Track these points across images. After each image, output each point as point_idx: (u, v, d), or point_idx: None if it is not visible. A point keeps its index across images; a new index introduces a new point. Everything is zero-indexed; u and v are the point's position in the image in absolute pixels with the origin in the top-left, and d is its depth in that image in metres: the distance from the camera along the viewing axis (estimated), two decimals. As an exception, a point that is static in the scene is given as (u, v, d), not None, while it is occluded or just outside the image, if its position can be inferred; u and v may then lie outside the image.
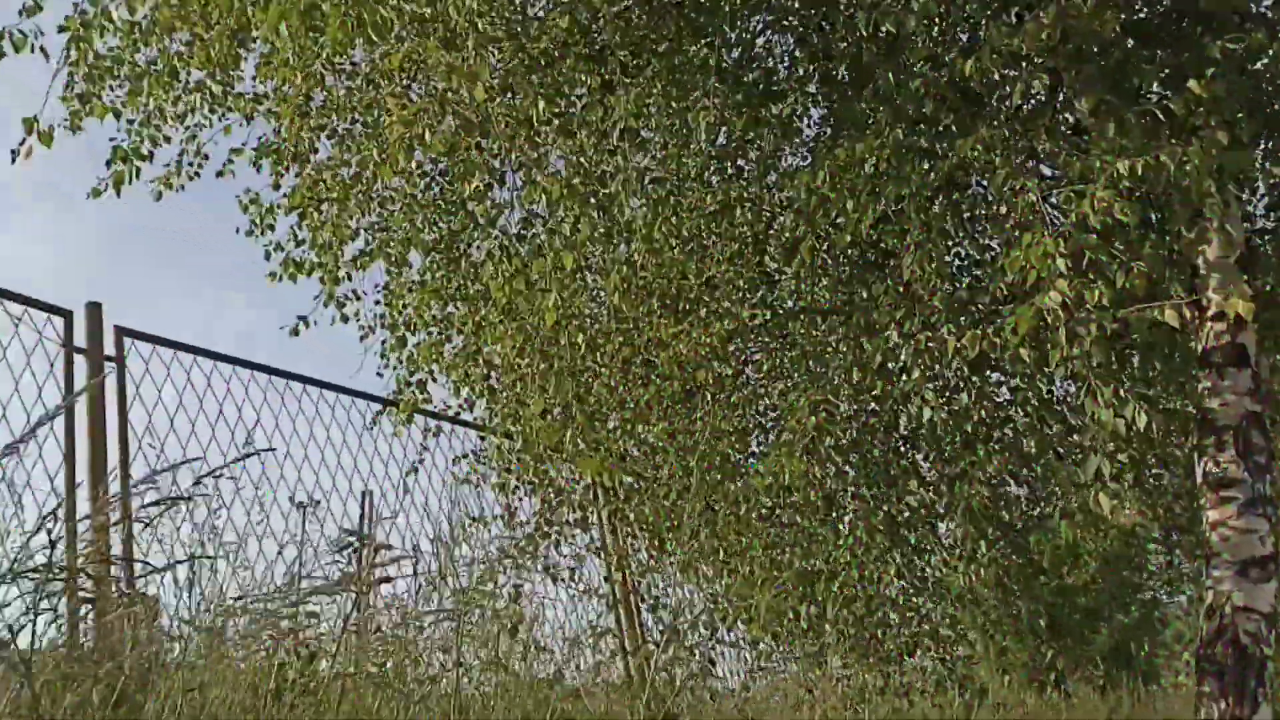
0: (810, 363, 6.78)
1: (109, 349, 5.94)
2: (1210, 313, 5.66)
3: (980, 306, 6.13)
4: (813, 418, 5.83)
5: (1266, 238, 6.36)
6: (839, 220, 5.65)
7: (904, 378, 5.80)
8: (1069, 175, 4.88)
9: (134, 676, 3.92)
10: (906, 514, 7.10)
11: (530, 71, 5.69)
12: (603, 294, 6.81)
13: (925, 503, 7.16)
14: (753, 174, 6.74)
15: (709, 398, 6.99)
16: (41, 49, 5.53)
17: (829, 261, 6.65)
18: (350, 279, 7.57)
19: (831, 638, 7.20)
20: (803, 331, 6.92)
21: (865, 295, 6.24)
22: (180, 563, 4.20)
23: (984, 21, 5.21)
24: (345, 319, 7.62)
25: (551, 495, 7.48)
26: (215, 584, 4.60)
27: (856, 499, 6.77)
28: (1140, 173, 4.61)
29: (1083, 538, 5.80)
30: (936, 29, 5.67)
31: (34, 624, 3.73)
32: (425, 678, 4.87)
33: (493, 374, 7.36)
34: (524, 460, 7.38)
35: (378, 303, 7.72)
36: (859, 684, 7.57)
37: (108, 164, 6.69)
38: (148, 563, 4.23)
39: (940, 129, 5.49)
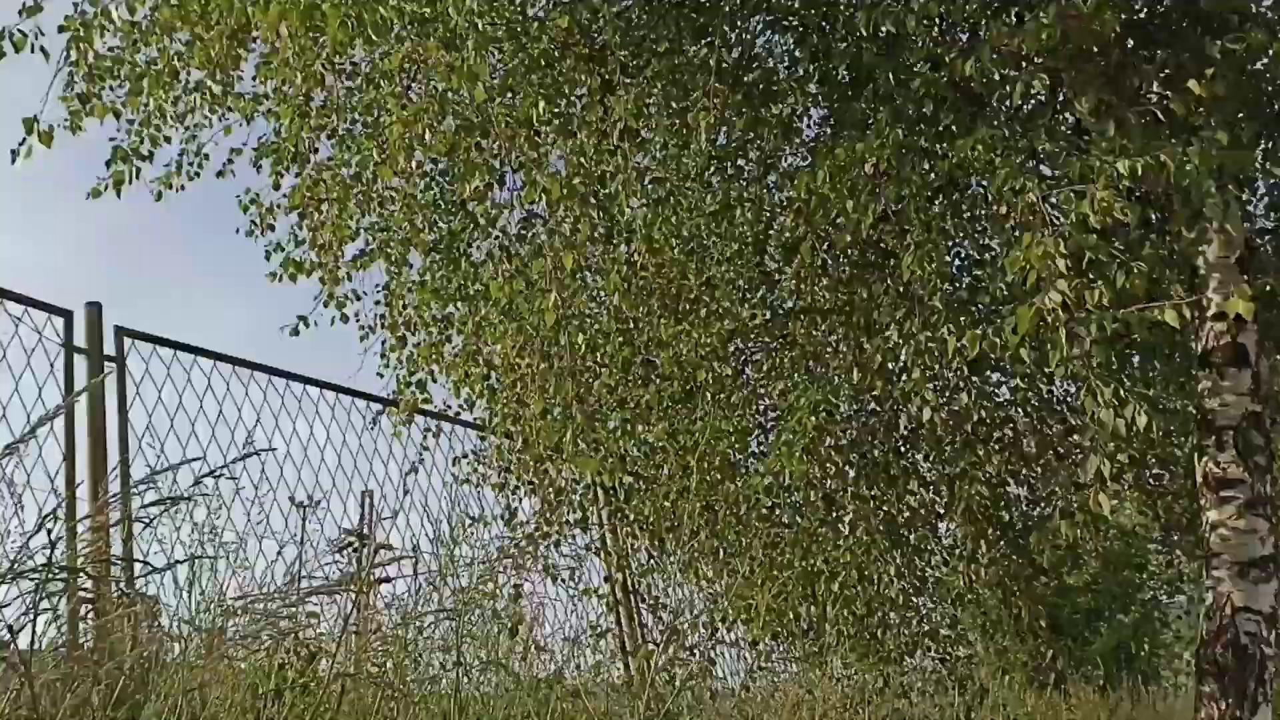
0: (810, 363, 6.78)
1: (109, 349, 5.92)
2: (1210, 313, 5.67)
3: (980, 306, 6.13)
4: (812, 418, 5.83)
5: (1267, 238, 6.36)
6: (839, 220, 5.64)
7: (904, 378, 5.80)
8: (1069, 175, 4.87)
9: (134, 677, 3.91)
10: (907, 514, 7.10)
11: (530, 72, 5.68)
12: (603, 294, 6.80)
13: (925, 503, 7.16)
14: (753, 174, 6.73)
15: (709, 398, 6.98)
16: (42, 49, 5.53)
17: (829, 262, 6.65)
18: (350, 279, 7.57)
19: (831, 638, 7.20)
20: (803, 332, 6.92)
21: (865, 295, 6.24)
22: (179, 563, 4.19)
23: (984, 21, 5.19)
24: (345, 319, 7.61)
25: (551, 495, 7.46)
26: (215, 584, 4.60)
27: (856, 499, 6.77)
28: (1140, 173, 4.61)
29: (1083, 538, 5.79)
30: (936, 29, 5.66)
31: (34, 624, 3.72)
32: (425, 678, 4.86)
33: (492, 374, 7.34)
34: (524, 460, 7.37)
35: (378, 303, 7.72)
36: (859, 684, 7.57)
37: (107, 164, 6.69)
38: (146, 562, 4.22)
39: (940, 129, 5.48)
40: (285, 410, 6.71)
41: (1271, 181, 6.08)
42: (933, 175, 5.57)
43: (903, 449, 7.00)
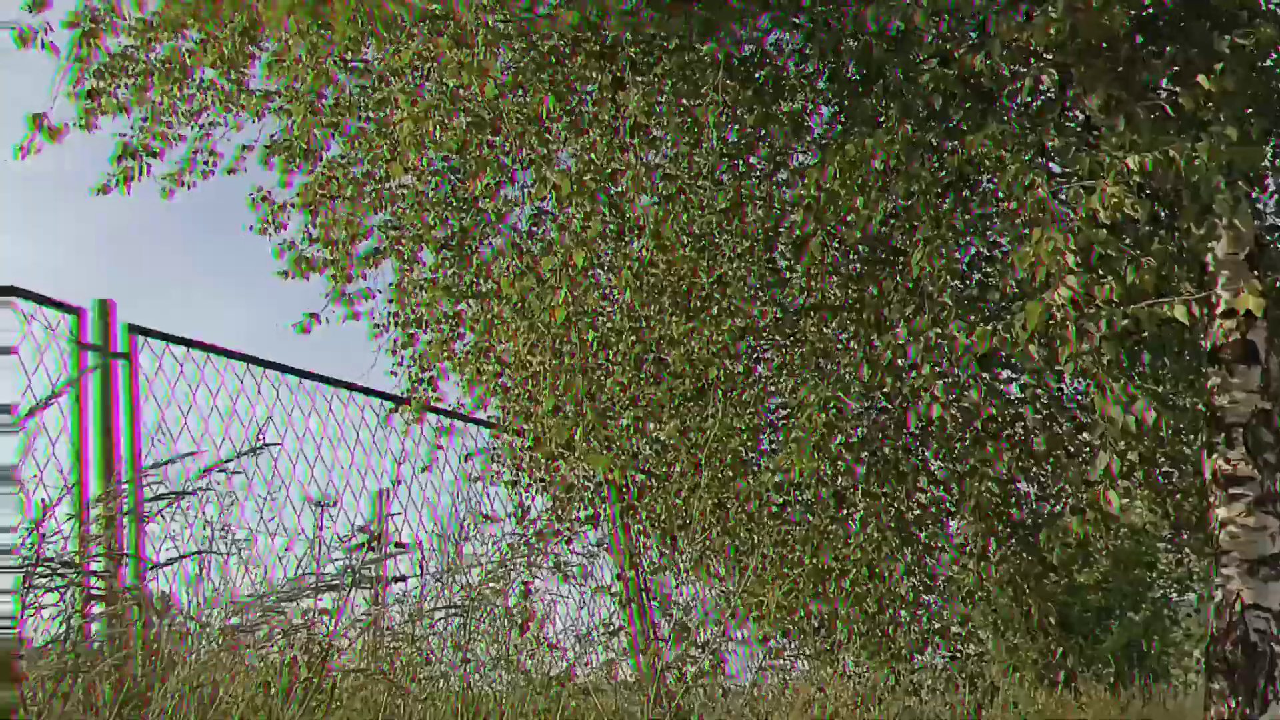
0: (820, 360, 6.78)
1: (120, 346, 5.93)
2: (1219, 309, 5.66)
3: (990, 303, 6.12)
4: (822, 415, 5.83)
5: (1277, 235, 6.35)
6: (849, 218, 5.64)
7: (914, 375, 5.79)
8: (1078, 171, 4.86)
9: (147, 673, 3.92)
10: (917, 512, 7.09)
11: (540, 69, 5.68)
12: (614, 291, 6.81)
13: (935, 500, 7.15)
14: (763, 171, 6.73)
15: (720, 395, 6.98)
16: (47, 44, 5.53)
17: (839, 258, 6.64)
18: (365, 277, 7.58)
19: (842, 635, 7.20)
20: (813, 329, 6.91)
21: (875, 292, 6.23)
22: (182, 558, 4.19)
23: (993, 16, 5.19)
24: (355, 316, 7.62)
25: (561, 493, 7.47)
26: (224, 581, 4.61)
27: (866, 496, 6.76)
28: (1150, 168, 4.60)
29: (1093, 536, 5.77)
30: (945, 25, 5.66)
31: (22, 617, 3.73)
32: (434, 675, 4.87)
33: (504, 372, 7.35)
34: (535, 458, 7.38)
35: (390, 300, 7.72)
36: (870, 681, 7.57)
37: (116, 160, 6.70)
38: (145, 559, 4.22)
39: (950, 125, 5.48)
40: (298, 408, 6.71)
41: (1282, 178, 6.08)
42: (942, 171, 5.57)
43: (912, 446, 6.99)
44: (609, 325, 6.86)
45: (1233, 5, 5.20)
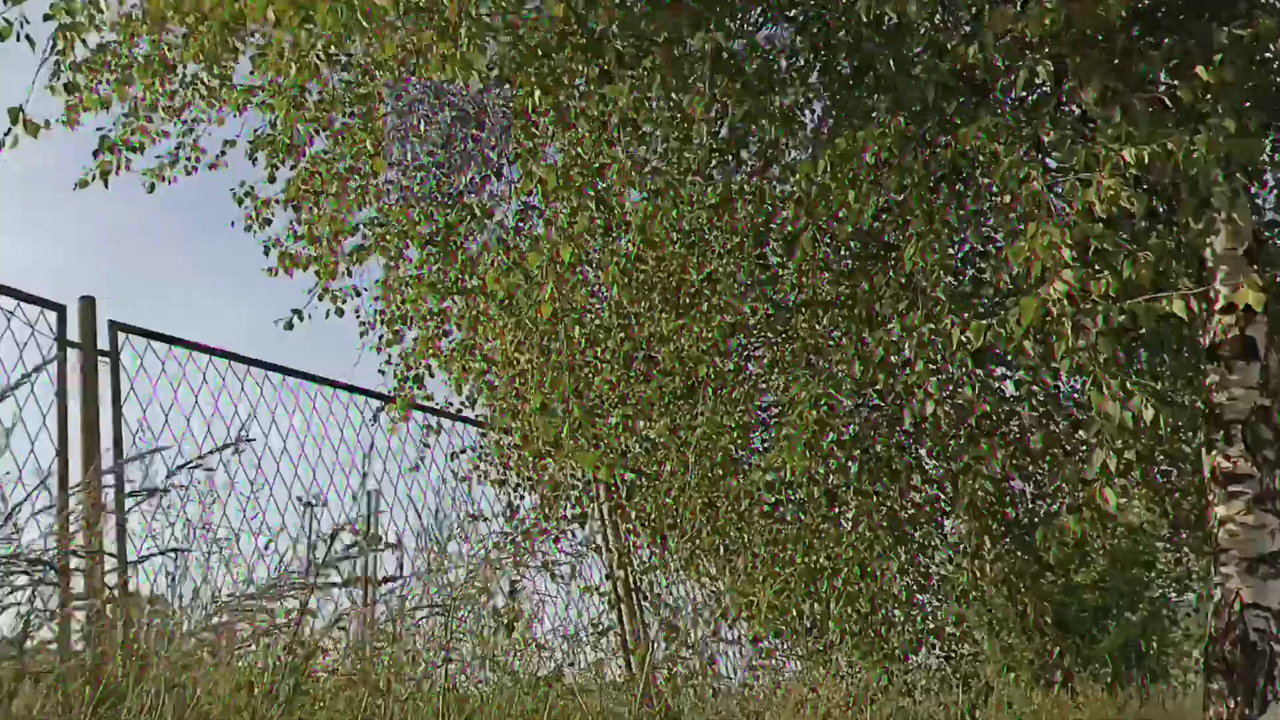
0: (811, 356, 6.71)
1: (103, 344, 5.87)
2: (1218, 305, 5.59)
3: (984, 299, 6.05)
4: (813, 412, 5.75)
5: (1277, 230, 6.27)
6: (841, 213, 5.57)
7: (907, 371, 5.72)
8: (1074, 163, 4.78)
9: (127, 672, 3.85)
10: (911, 510, 7.03)
11: (526, 62, 5.60)
12: (603, 288, 6.74)
13: (930, 499, 7.08)
14: (753, 166, 6.66)
15: (710, 393, 6.92)
16: (28, 37, 5.45)
17: (830, 254, 6.58)
18: (350, 274, 7.51)
19: (834, 635, 7.14)
20: (804, 325, 6.85)
21: (867, 287, 6.17)
22: (153, 555, 4.12)
23: (985, 7, 5.11)
24: (340, 313, 7.55)
25: (548, 492, 7.41)
26: (205, 579, 4.54)
27: (859, 495, 6.70)
28: (1146, 161, 4.52)
29: (1090, 535, 5.71)
30: (938, 16, 5.58)
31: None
32: (415, 676, 4.80)
33: (491, 369, 7.29)
34: (523, 456, 7.31)
35: (376, 298, 7.67)
36: (863, 682, 7.51)
37: (95, 154, 6.63)
38: (111, 554, 4.15)
39: (943, 118, 5.40)
40: (282, 406, 6.65)
41: (1281, 173, 6.01)
42: (935, 165, 5.49)
43: (905, 444, 6.92)
44: (597, 322, 6.80)
45: (1231, -5, 5.13)
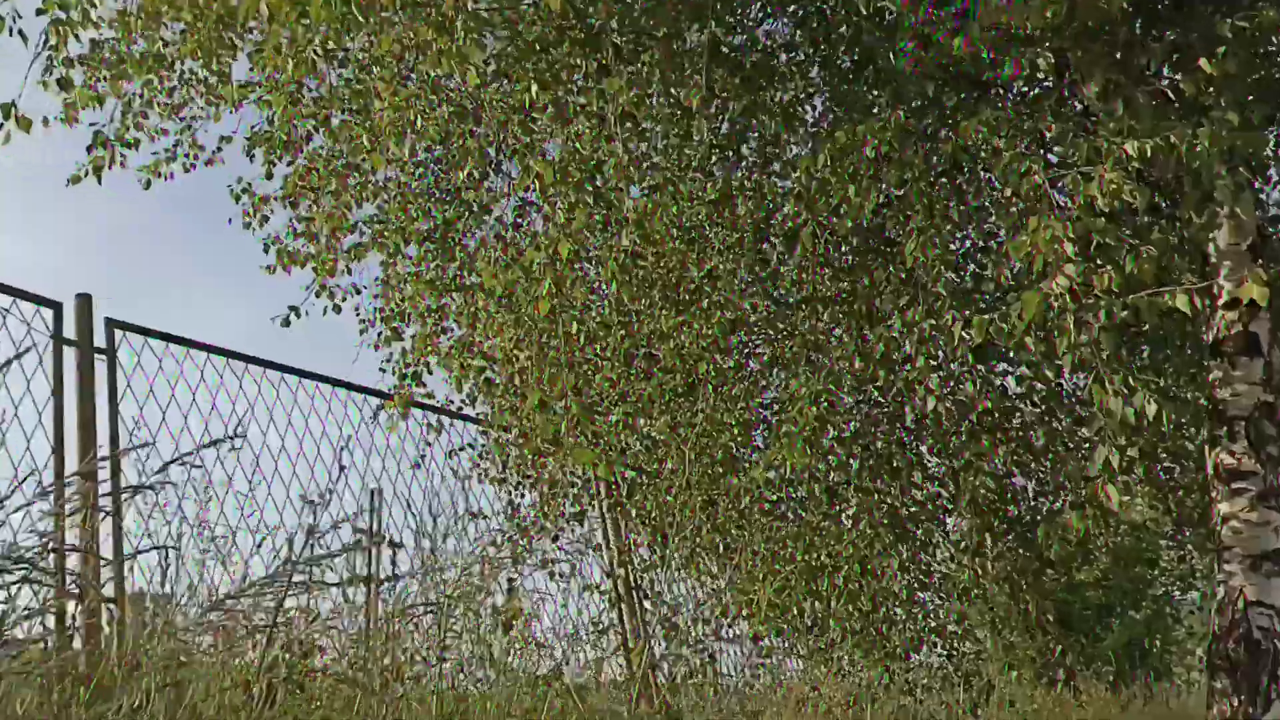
0: (812, 353, 6.68)
1: (100, 341, 5.83)
2: (1221, 300, 5.55)
3: (985, 295, 6.02)
4: (814, 408, 5.71)
5: (1280, 225, 6.24)
6: (842, 210, 5.53)
7: (908, 367, 5.68)
8: (1076, 157, 4.74)
9: (124, 671, 3.82)
10: (913, 508, 7.00)
11: (525, 57, 5.57)
12: (604, 286, 6.71)
13: (931, 496, 7.05)
14: (754, 162, 6.63)
15: (710, 390, 6.89)
16: (20, 32, 5.42)
17: (830, 250, 6.55)
18: (350, 271, 7.49)
19: (836, 633, 7.11)
20: (804, 320, 6.82)
21: (867, 283, 6.13)
22: (142, 552, 4.09)
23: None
24: (338, 310, 7.52)
25: (546, 489, 7.37)
26: (201, 576, 4.52)
27: (860, 492, 6.66)
28: (1149, 154, 4.48)
29: (1094, 533, 5.67)
30: (931, 7, 5.54)
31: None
32: (410, 675, 4.77)
33: (491, 367, 7.25)
34: (523, 454, 7.28)
35: (376, 295, 7.64)
36: (864, 680, 7.48)
37: (88, 150, 6.60)
38: (87, 551, 4.11)
39: (943, 112, 5.36)
40: (280, 404, 6.61)
41: (1284, 166, 5.97)
42: (935, 159, 5.46)
43: (906, 441, 6.88)
44: (598, 319, 6.77)
45: (1234, -13, 5.09)
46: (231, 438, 4.98)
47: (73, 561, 4.21)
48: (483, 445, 7.79)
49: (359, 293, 7.68)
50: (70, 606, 4.16)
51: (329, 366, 6.64)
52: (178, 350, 6.17)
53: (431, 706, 4.54)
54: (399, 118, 5.58)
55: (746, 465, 7.03)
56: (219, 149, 7.38)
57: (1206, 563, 9.93)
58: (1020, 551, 7.11)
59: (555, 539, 7.12)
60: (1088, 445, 6.30)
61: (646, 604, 7.50)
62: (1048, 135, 5.27)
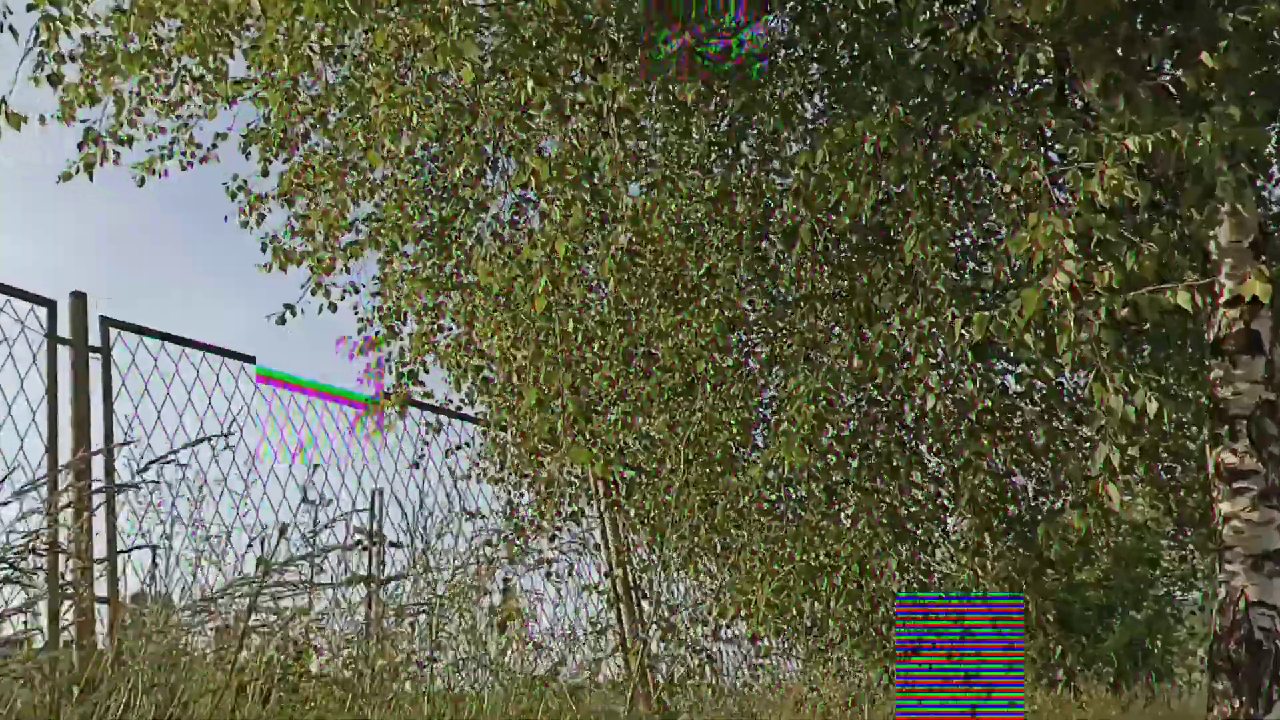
0: (810, 351, 6.65)
1: (95, 340, 5.80)
2: (1223, 298, 5.52)
3: (985, 292, 5.98)
4: (812, 407, 5.67)
5: (1283, 222, 6.21)
6: (841, 207, 5.50)
7: (907, 365, 5.65)
8: (1076, 153, 4.71)
9: (115, 674, 3.79)
10: (913, 507, 6.97)
11: (521, 54, 5.54)
12: (602, 284, 6.68)
13: (931, 495, 7.02)
14: (753, 159, 6.61)
15: (709, 389, 6.85)
16: (10, 28, 5.39)
17: (829, 246, 6.52)
18: (348, 270, 7.46)
19: (835, 633, 7.08)
20: (803, 318, 6.79)
21: (866, 280, 6.10)
22: (126, 551, 4.06)
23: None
24: (334, 308, 7.48)
25: (543, 488, 7.34)
26: (194, 577, 4.49)
27: (859, 491, 6.63)
28: (1150, 150, 4.44)
29: (1094, 532, 5.64)
30: (938, 4, 5.51)
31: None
32: (408, 675, 4.74)
33: (489, 365, 7.22)
34: (521, 453, 7.25)
35: (375, 294, 7.60)
36: (863, 681, 7.45)
37: (79, 147, 6.57)
38: (65, 551, 4.08)
39: (943, 107, 5.33)
40: (279, 402, 6.57)
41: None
42: (935, 155, 5.42)
43: (906, 440, 6.85)
44: (596, 318, 6.74)
45: (1236, -19, 5.05)
46: (222, 435, 4.93)
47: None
48: (481, 444, 7.76)
49: (357, 291, 7.66)
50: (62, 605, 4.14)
51: (329, 366, 6.61)
52: (174, 349, 6.15)
53: (424, 707, 4.51)
54: (395, 114, 5.54)
55: (745, 464, 6.99)
56: (214, 145, 7.36)
57: (1208, 563, 9.91)
58: (1020, 551, 7.08)
59: (552, 539, 7.09)
60: (1088, 444, 6.27)
61: (645, 604, 7.46)
62: (1048, 131, 5.23)
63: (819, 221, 5.86)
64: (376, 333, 7.43)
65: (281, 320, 7.14)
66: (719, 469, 6.90)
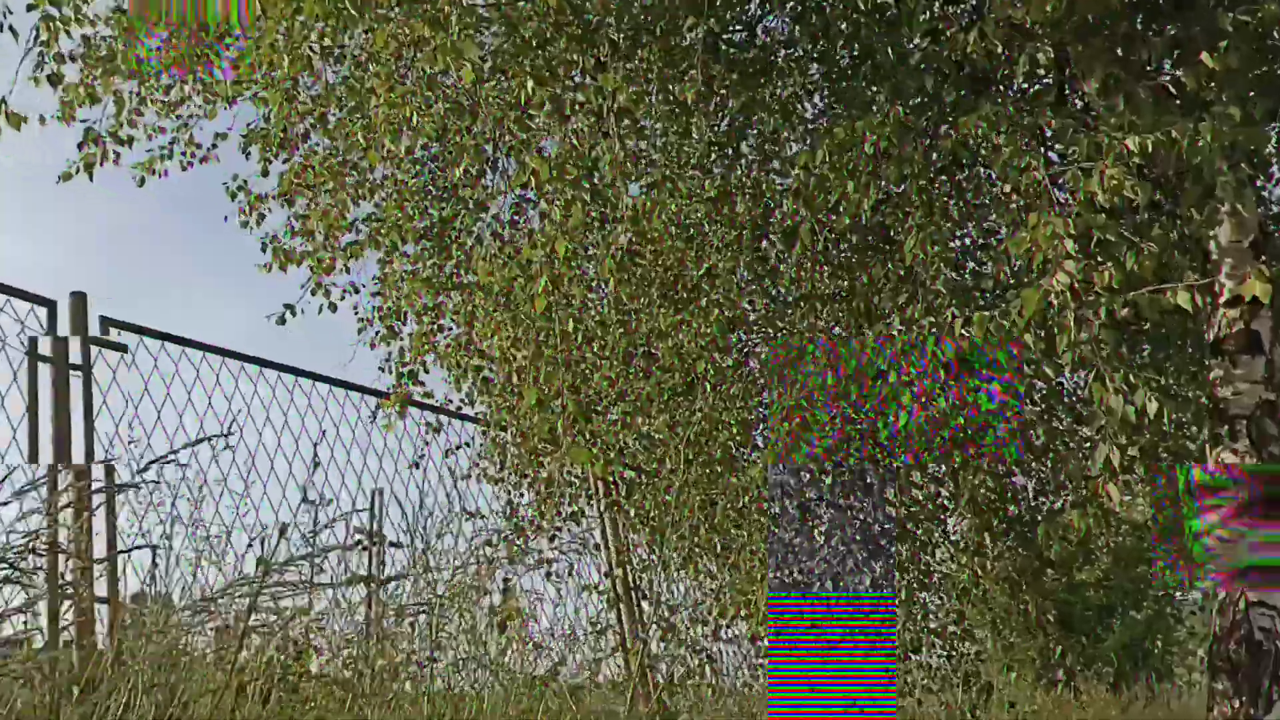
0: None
1: (94, 333, 5.80)
2: (1223, 298, 5.52)
3: (985, 291, 5.98)
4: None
5: (1284, 222, 6.21)
6: (840, 207, 5.50)
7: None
8: (1076, 153, 4.71)
9: (115, 675, 3.79)
10: (913, 507, 6.96)
11: (521, 53, 5.54)
12: (602, 284, 6.68)
13: (930, 496, 7.01)
14: (753, 159, 6.61)
15: (709, 389, 6.85)
16: (10, 28, 5.40)
17: (829, 247, 6.51)
18: (348, 270, 7.46)
19: (834, 634, 7.06)
20: (803, 318, 6.78)
21: (866, 281, 6.10)
22: (126, 551, 4.06)
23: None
24: (334, 308, 7.48)
25: (542, 489, 7.34)
26: (194, 577, 4.48)
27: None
28: (1150, 150, 4.45)
29: (1095, 532, 5.65)
30: (938, 4, 5.52)
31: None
32: (408, 675, 4.74)
33: (489, 365, 7.22)
34: (520, 453, 7.25)
35: (375, 294, 7.61)
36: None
37: (79, 147, 6.58)
38: (63, 551, 4.08)
39: (943, 107, 5.33)
40: (277, 403, 6.57)
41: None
42: (935, 155, 5.42)
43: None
44: (596, 318, 6.73)
45: (1236, -20, 5.06)
46: (221, 435, 4.93)
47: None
48: (481, 444, 7.76)
49: (357, 291, 7.66)
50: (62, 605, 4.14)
51: (328, 366, 6.61)
52: (174, 349, 6.15)
53: (424, 707, 4.51)
54: (395, 114, 5.55)
55: (745, 464, 6.99)
56: (214, 145, 7.37)
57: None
58: (1020, 551, 7.08)
59: (552, 539, 7.09)
60: (1088, 444, 6.26)
61: (645, 604, 7.46)
62: (1048, 131, 5.24)
63: (819, 221, 5.86)
64: (376, 333, 7.44)
65: (281, 320, 7.16)
66: (719, 469, 6.89)
